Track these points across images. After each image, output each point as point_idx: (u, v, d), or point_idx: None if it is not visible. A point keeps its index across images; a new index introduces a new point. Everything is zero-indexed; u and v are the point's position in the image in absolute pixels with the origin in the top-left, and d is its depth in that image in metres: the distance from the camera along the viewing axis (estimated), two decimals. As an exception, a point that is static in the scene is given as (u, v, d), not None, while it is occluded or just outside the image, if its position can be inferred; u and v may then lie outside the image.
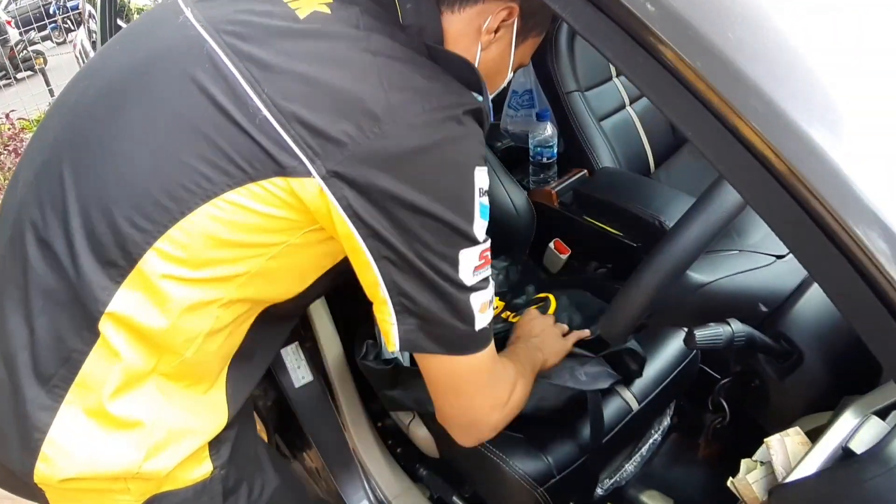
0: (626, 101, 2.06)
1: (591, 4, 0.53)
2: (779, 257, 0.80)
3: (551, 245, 1.75)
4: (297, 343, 1.34)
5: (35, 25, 8.71)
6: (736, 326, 0.72)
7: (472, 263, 0.72)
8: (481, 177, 0.71)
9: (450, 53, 0.75)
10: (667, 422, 1.39)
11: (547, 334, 1.12)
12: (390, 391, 1.28)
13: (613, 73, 2.07)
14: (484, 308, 0.75)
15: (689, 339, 0.71)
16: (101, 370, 0.72)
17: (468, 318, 0.73)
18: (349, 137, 0.65)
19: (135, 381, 0.74)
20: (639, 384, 1.30)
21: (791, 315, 0.74)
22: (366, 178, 0.66)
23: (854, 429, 0.53)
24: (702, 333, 0.71)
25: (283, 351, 1.33)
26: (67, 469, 0.73)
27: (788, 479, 0.54)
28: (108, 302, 0.70)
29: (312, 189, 0.67)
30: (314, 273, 0.84)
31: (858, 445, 0.51)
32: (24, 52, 8.22)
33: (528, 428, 1.21)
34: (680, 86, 0.51)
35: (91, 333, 0.71)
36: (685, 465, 1.33)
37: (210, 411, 0.83)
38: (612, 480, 1.30)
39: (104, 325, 0.71)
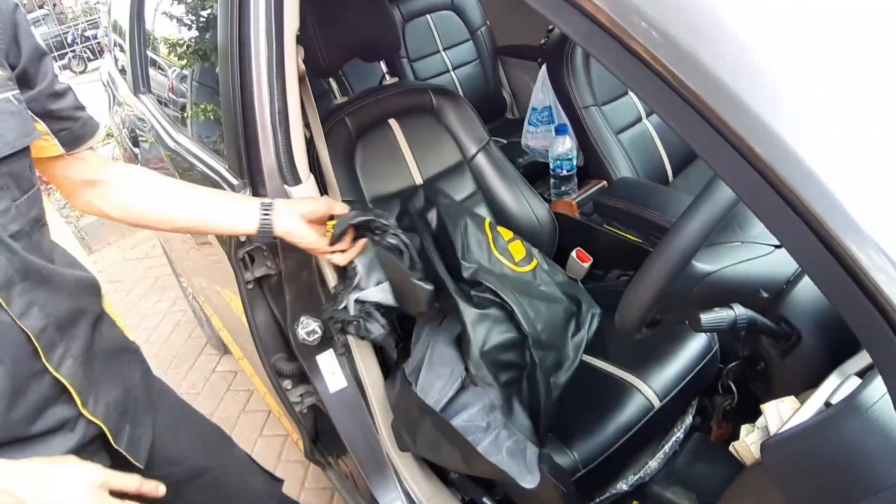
0: (643, 114, 2.12)
1: (600, 28, 0.60)
2: (777, 247, 0.85)
3: (573, 254, 1.81)
4: (331, 350, 1.41)
5: (55, 54, 8.87)
6: (739, 310, 0.77)
7: None
8: None
9: None
10: (689, 420, 1.43)
11: None
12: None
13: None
14: None
15: (695, 323, 0.77)
16: None
17: None
18: None
19: None
20: (660, 382, 1.34)
21: (789, 299, 0.79)
22: None
23: (836, 387, 0.58)
24: (707, 317, 0.76)
25: (318, 357, 1.40)
26: None
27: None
28: None
29: None
30: None
31: (837, 399, 0.56)
32: (44, 80, 8.36)
33: (553, 424, 1.26)
34: (679, 99, 0.57)
35: None
36: (707, 462, 1.36)
37: None
38: (636, 476, 1.35)
39: None
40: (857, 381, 0.57)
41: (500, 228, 1.53)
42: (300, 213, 1.12)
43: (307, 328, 1.35)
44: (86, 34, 10.01)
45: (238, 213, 1.10)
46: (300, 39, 1.17)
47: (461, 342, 1.30)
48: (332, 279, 1.31)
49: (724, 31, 0.54)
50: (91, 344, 0.95)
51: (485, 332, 1.25)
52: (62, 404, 0.88)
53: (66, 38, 9.27)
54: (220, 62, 1.23)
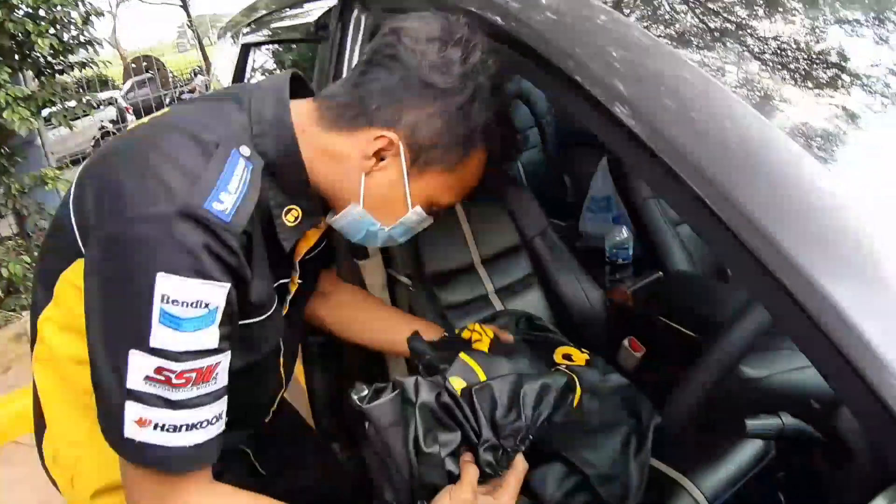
0: (702, 207, 2.13)
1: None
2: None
3: (626, 342, 1.80)
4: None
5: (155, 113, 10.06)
6: (787, 419, 0.77)
7: (143, 372, 0.68)
8: (166, 283, 0.67)
9: (288, 159, 0.80)
10: (741, 527, 1.37)
11: None
12: None
13: (690, 181, 2.16)
14: (144, 423, 0.69)
15: (740, 428, 0.77)
16: None
17: (114, 420, 0.70)
18: (93, 218, 0.73)
19: None
20: (710, 485, 1.30)
21: (842, 412, 0.78)
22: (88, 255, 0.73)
23: (884, 507, 0.58)
24: (753, 423, 0.76)
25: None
26: None
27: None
28: None
29: None
30: None
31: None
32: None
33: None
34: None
35: None
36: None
37: None
38: (683, 582, 1.29)
39: None
40: (905, 503, 0.57)
41: None
42: None
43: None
44: (184, 97, 11.54)
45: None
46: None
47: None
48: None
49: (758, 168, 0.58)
50: None
51: (553, 488, 1.23)
52: None
53: (163, 100, 10.63)
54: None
